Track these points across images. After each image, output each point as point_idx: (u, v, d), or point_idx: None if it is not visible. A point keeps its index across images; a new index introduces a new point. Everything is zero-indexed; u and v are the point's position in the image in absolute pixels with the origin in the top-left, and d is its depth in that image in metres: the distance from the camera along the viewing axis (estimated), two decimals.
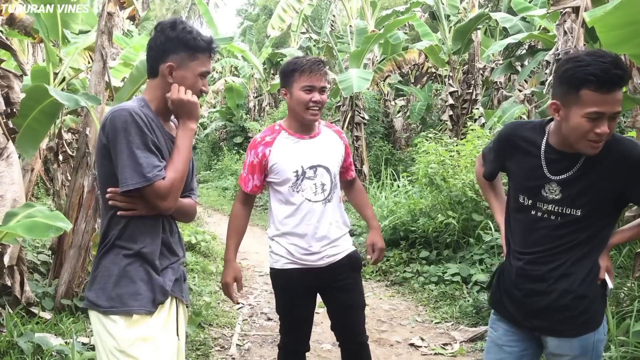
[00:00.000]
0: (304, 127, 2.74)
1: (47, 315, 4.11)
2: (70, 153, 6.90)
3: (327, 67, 2.73)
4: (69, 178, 7.07)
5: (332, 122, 14.84)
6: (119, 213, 1.94)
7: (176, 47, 1.97)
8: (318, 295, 2.87)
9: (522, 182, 2.11)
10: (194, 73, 2.00)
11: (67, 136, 7.78)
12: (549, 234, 2.03)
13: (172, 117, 2.13)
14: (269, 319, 5.21)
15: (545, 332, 2.10)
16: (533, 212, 2.06)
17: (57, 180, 7.29)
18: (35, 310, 4.05)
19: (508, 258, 2.20)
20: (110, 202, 1.93)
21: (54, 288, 4.48)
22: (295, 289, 2.75)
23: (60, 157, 6.56)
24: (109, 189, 1.93)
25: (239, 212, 2.85)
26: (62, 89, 5.39)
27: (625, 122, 6.76)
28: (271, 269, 2.81)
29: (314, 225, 2.68)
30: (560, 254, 2.02)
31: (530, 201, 2.07)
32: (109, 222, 1.97)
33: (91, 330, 4.04)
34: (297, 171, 2.68)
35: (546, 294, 2.05)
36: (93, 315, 1.97)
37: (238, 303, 2.93)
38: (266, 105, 18.67)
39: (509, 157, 2.18)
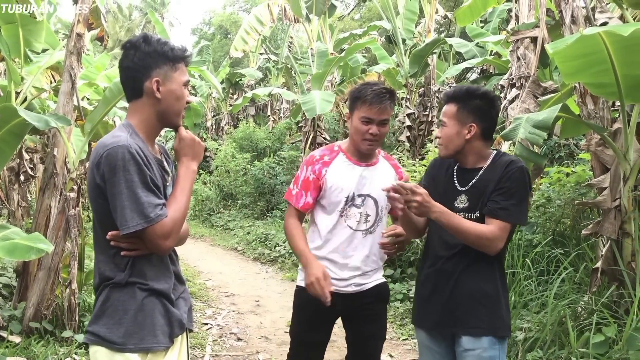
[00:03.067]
0: (361, 154, 2.69)
1: (16, 338, 4.03)
2: (31, 173, 6.79)
3: (393, 99, 2.62)
4: (29, 199, 6.95)
5: (294, 142, 14.79)
6: (122, 253, 1.82)
7: (157, 60, 1.88)
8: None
9: (440, 197, 2.39)
10: (179, 84, 1.92)
11: (25, 156, 7.64)
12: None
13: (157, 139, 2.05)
14: (239, 339, 5.22)
15: (460, 332, 2.35)
16: None
17: (13, 201, 7.12)
18: (3, 333, 3.97)
19: (426, 272, 2.48)
20: (112, 243, 1.82)
21: (20, 311, 4.39)
22: (316, 310, 2.64)
23: (22, 178, 6.44)
24: (110, 233, 1.81)
25: (293, 223, 2.72)
26: (26, 109, 5.33)
27: (580, 146, 7.14)
28: (297, 286, 2.75)
29: (350, 255, 2.64)
30: (465, 253, 2.33)
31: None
32: (113, 260, 1.84)
33: (63, 354, 4.03)
34: (347, 196, 2.63)
35: (458, 292, 2.35)
36: (100, 351, 1.82)
37: (328, 301, 2.55)
38: (225, 125, 18.64)
39: (433, 179, 2.55)
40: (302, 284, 2.69)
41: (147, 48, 1.88)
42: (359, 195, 2.65)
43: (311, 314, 2.69)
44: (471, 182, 2.38)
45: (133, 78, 1.90)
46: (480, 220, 2.32)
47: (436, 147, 8.75)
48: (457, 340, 2.37)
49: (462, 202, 2.38)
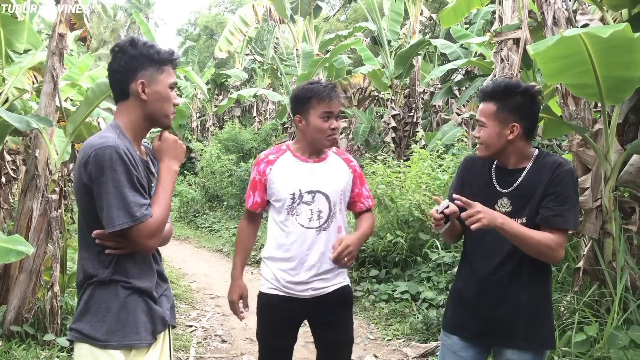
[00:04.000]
0: (312, 152, 2.67)
1: None
2: (13, 175, 6.72)
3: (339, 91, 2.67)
4: (11, 201, 6.87)
5: (279, 144, 14.93)
6: (107, 251, 1.88)
7: (142, 63, 1.95)
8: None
9: (478, 200, 2.30)
10: (165, 85, 1.98)
11: (7, 157, 7.55)
12: (506, 244, 2.23)
13: (143, 141, 2.10)
14: (224, 341, 5.20)
15: (507, 346, 2.29)
16: None
17: None
18: None
19: (467, 278, 2.38)
20: (97, 241, 1.87)
21: (1, 314, 4.34)
22: (276, 316, 2.67)
23: (3, 179, 6.37)
24: (95, 232, 1.86)
25: (242, 228, 2.82)
26: (8, 110, 5.27)
27: (563, 146, 7.21)
28: (259, 291, 2.74)
29: (304, 253, 2.60)
30: (516, 266, 2.24)
31: None
32: (97, 257, 1.89)
33: (44, 357, 3.98)
34: (294, 194, 2.60)
35: (508, 306, 2.25)
36: (84, 348, 1.87)
37: (242, 319, 2.80)
38: (210, 126, 18.57)
39: (467, 182, 2.44)
40: (264, 289, 2.71)
41: (133, 51, 1.95)
42: (308, 192, 2.61)
43: (273, 319, 2.69)
44: (514, 185, 2.26)
45: (120, 80, 1.97)
46: (529, 226, 2.20)
47: (422, 147, 8.82)
48: (499, 351, 2.31)
49: (504, 205, 2.27)
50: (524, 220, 2.22)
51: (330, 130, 2.57)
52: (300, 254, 2.60)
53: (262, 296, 2.72)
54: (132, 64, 1.94)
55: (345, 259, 2.59)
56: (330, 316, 2.67)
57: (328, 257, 2.62)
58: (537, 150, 2.32)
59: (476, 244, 2.36)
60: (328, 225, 2.62)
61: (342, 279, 2.70)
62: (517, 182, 2.26)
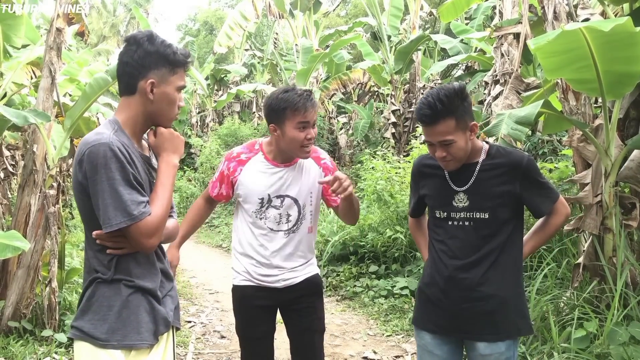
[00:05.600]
0: (284, 158, 2.64)
1: None
2: (11, 170, 6.69)
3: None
4: (8, 196, 6.85)
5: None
6: (108, 251, 1.82)
7: (157, 62, 1.85)
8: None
9: (436, 199, 2.37)
10: (174, 87, 1.89)
11: (6, 152, 7.51)
12: (466, 239, 2.28)
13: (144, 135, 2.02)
14: (223, 337, 5.19)
15: (475, 339, 2.30)
16: (450, 223, 2.32)
17: None
18: None
19: (432, 275, 2.39)
20: (97, 242, 1.82)
21: None
22: (251, 306, 2.71)
23: (2, 175, 6.35)
24: (94, 233, 1.81)
25: (198, 206, 2.82)
26: (6, 105, 5.25)
27: (563, 142, 7.18)
28: (233, 285, 2.77)
29: (272, 254, 2.65)
30: (479, 259, 2.26)
31: (445, 213, 2.33)
32: (97, 255, 1.85)
33: (42, 353, 3.97)
34: (262, 199, 2.62)
35: (474, 300, 2.27)
36: (84, 346, 1.82)
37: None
38: (210, 121, 18.55)
39: (422, 186, 2.47)
40: (236, 282, 2.73)
41: (150, 47, 1.86)
42: (277, 197, 2.63)
43: (249, 310, 2.71)
44: (470, 181, 2.28)
45: (129, 74, 1.88)
46: (490, 222, 2.24)
47: (422, 143, 8.78)
48: (471, 345, 2.32)
49: (461, 200, 2.28)
50: (486, 216, 2.24)
51: (306, 140, 2.52)
52: (269, 256, 2.65)
53: (235, 289, 2.75)
54: (146, 60, 1.85)
55: (339, 190, 2.40)
56: (301, 304, 2.73)
57: (298, 255, 2.69)
58: (485, 144, 2.33)
59: (442, 242, 2.36)
60: (297, 227, 2.67)
61: (312, 269, 2.77)
62: (473, 178, 2.28)
